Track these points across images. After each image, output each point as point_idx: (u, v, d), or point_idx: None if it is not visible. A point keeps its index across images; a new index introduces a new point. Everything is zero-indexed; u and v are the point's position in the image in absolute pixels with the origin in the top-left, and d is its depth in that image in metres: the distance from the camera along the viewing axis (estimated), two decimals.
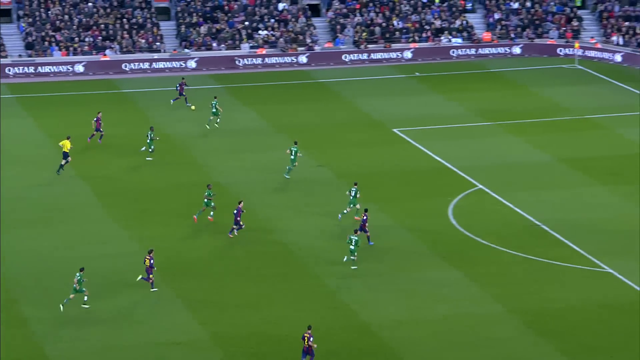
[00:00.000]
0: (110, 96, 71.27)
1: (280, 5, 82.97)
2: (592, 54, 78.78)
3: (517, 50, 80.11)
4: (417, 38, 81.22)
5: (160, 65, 76.83)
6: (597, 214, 50.92)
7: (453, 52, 79.99)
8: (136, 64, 76.29)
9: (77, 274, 41.54)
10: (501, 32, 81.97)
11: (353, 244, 45.13)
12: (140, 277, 43.24)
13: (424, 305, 42.05)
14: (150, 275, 42.77)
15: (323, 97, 70.86)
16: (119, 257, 45.95)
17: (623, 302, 42.18)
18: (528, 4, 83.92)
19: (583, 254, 46.52)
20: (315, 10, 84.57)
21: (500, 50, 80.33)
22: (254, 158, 58.95)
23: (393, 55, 79.56)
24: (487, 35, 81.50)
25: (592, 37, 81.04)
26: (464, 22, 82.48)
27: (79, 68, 75.74)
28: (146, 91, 72.43)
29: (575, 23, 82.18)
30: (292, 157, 55.12)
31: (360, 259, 45.88)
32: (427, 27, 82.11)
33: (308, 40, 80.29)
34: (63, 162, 55.57)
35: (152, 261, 42.71)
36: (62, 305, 41.24)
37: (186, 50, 78.57)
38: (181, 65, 76.98)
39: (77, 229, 49.23)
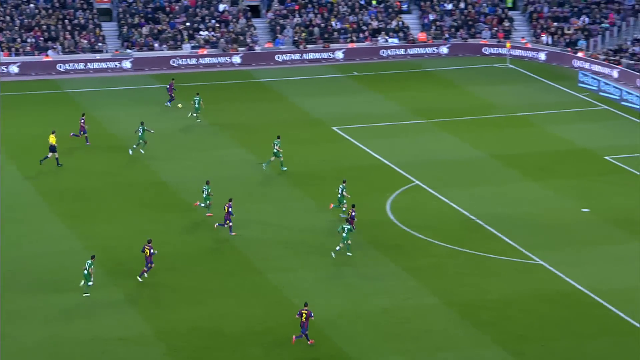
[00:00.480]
0: (52, 96, 71.19)
1: (221, 7, 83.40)
2: (517, 52, 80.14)
3: (444, 50, 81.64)
4: (354, 38, 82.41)
5: (96, 65, 77.00)
6: (530, 209, 51.94)
7: (383, 52, 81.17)
8: (71, 64, 76.27)
9: (88, 262, 42.40)
10: (436, 33, 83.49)
11: (345, 232, 46.01)
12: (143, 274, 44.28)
13: (363, 299, 42.71)
14: (150, 264, 43.82)
15: (264, 97, 71.01)
16: (64, 255, 46.14)
17: (554, 293, 43.27)
18: (462, 5, 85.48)
19: (516, 247, 47.49)
20: (255, 11, 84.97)
21: (428, 50, 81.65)
22: (196, 157, 59.26)
23: (325, 55, 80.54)
24: (422, 36, 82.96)
25: (522, 37, 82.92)
26: (400, 22, 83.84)
27: (14, 69, 75.80)
28: (87, 91, 72.21)
29: (506, 24, 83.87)
30: (275, 150, 56.32)
31: (301, 253, 46.72)
32: (364, 27, 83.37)
33: (248, 41, 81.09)
34: (50, 154, 56.56)
35: (152, 250, 43.71)
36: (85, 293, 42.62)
37: (128, 50, 79.05)
38: (116, 65, 77.32)
39: (22, 228, 49.38)
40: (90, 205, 52.37)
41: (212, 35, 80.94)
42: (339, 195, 50.58)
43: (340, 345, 39.26)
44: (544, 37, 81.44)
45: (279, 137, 56.94)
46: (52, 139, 56.77)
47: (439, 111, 68.01)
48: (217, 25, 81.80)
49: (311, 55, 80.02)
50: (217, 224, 48.78)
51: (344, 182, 51.08)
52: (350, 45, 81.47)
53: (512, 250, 47.29)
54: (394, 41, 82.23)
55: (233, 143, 61.82)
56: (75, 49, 78.41)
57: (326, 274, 45.25)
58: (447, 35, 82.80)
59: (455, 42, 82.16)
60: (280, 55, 79.55)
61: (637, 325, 40.57)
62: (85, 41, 78.88)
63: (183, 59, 78.22)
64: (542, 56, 79.68)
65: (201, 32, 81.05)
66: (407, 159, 58.95)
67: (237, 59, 78.72)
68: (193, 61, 78.49)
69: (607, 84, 71.56)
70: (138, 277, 43.98)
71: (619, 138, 63.04)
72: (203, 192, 50.52)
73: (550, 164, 58.46)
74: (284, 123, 65.64)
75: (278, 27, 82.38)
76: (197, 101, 64.75)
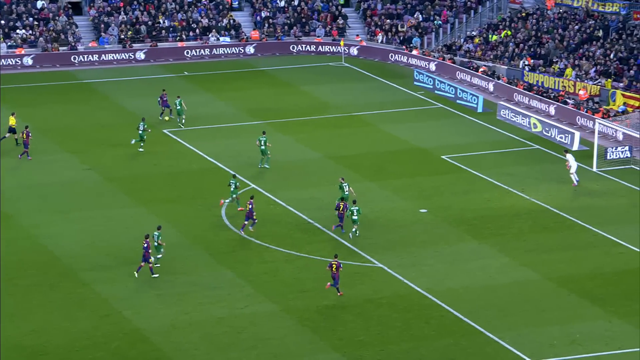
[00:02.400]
0: None
1: (39, 4, 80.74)
2: (351, 51, 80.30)
3: (250, 50, 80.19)
4: (184, 36, 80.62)
5: None
6: (366, 209, 51.51)
7: (187, 52, 79.38)
8: None
9: (156, 233, 44.36)
10: (269, 31, 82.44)
11: (355, 215, 47.69)
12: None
13: (197, 308, 41.78)
14: (150, 259, 44.09)
15: (88, 98, 69.46)
16: None
17: (392, 296, 43.07)
18: (295, 2, 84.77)
19: (354, 250, 47.22)
20: (77, 9, 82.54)
21: (234, 50, 79.93)
22: (17, 162, 57.49)
23: (126, 56, 78.17)
24: (255, 34, 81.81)
25: (357, 35, 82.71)
26: (231, 20, 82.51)
27: None
28: None
29: (340, 21, 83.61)
30: (263, 147, 56.07)
31: (131, 263, 45.06)
32: (194, 25, 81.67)
33: (70, 39, 78.39)
34: (7, 135, 58.79)
35: (146, 245, 43.44)
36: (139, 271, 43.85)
37: None
38: None
39: None
40: None
41: (31, 34, 77.95)
42: (345, 193, 50.31)
43: (173, 358, 38.18)
44: (379, 36, 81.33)
45: (264, 133, 57.14)
46: (12, 121, 58.51)
47: (273, 111, 67.53)
48: (36, 23, 78.97)
49: (111, 57, 77.23)
50: (250, 228, 48.09)
51: (342, 179, 51.22)
52: (180, 44, 79.70)
53: (349, 253, 46.90)
54: (225, 39, 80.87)
55: (55, 147, 60.11)
56: None
57: (158, 283, 43.99)
58: (280, 33, 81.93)
59: (260, 41, 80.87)
60: (76, 57, 76.65)
61: (473, 324, 40.72)
62: None
63: None
64: (354, 51, 79.55)
65: (18, 31, 77.91)
66: (242, 161, 57.98)
67: (28, 61, 75.42)
68: None
69: (442, 82, 71.74)
70: (153, 275, 44.12)
71: (455, 137, 63.54)
72: (230, 185, 50.41)
73: (387, 164, 58.50)
74: (111, 126, 64.09)
75: (102, 25, 79.85)
76: (178, 103, 63.61)
